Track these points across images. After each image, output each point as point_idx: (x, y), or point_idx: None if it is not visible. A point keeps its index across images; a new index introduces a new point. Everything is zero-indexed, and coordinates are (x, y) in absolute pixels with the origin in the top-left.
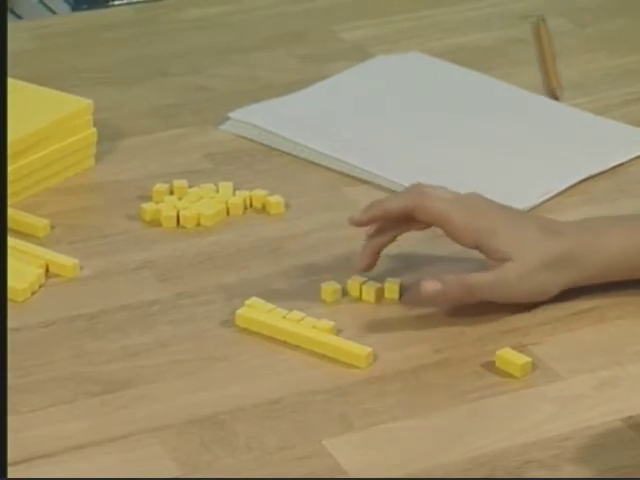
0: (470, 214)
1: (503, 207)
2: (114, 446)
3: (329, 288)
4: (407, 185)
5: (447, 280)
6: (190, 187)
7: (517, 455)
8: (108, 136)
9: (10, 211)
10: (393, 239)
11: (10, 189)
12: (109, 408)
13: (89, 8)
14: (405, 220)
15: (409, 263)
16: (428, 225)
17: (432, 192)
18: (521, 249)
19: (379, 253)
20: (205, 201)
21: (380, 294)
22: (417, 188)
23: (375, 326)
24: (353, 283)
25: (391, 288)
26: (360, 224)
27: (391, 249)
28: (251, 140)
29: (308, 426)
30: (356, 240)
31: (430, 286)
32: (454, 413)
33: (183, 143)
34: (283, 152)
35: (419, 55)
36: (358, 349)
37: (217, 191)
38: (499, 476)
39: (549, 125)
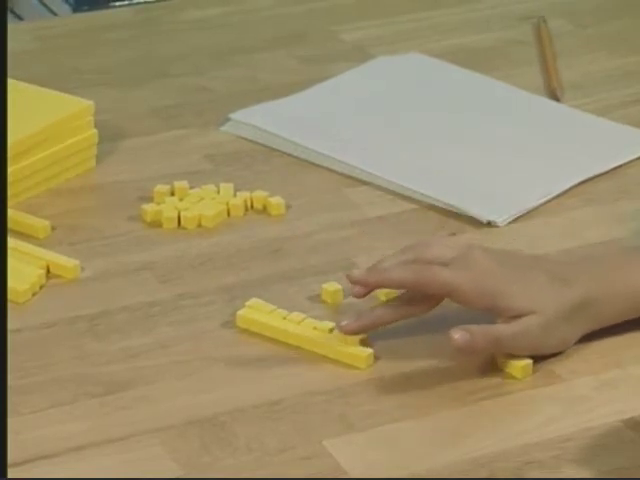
0: (477, 278)
1: (508, 260)
2: (114, 447)
3: (330, 289)
4: (410, 186)
5: (474, 331)
6: (191, 188)
7: (518, 456)
8: (109, 137)
9: (11, 212)
10: (398, 319)
11: (11, 190)
12: (109, 409)
13: (90, 9)
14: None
15: None
16: (433, 303)
17: (433, 259)
18: (536, 303)
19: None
20: (206, 202)
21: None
22: (417, 259)
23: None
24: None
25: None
26: (358, 283)
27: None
28: (252, 141)
29: (308, 427)
30: (356, 241)
31: (459, 337)
32: (454, 414)
33: (184, 144)
34: (284, 153)
35: (419, 56)
36: (358, 350)
37: (218, 192)
38: (500, 477)
39: (549, 126)
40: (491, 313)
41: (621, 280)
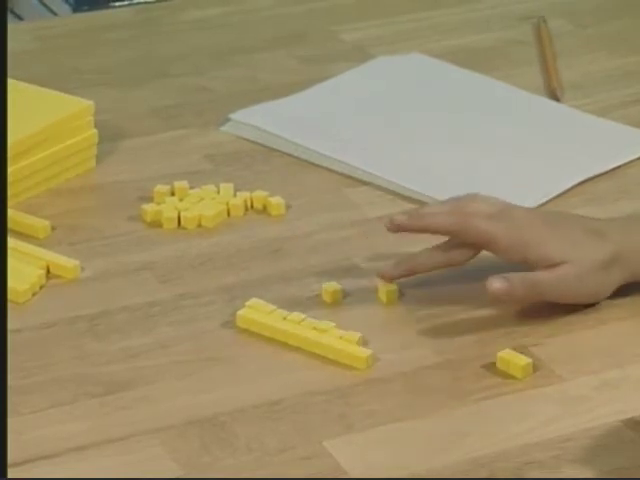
0: (514, 229)
1: (545, 214)
2: (114, 447)
3: (330, 289)
4: (410, 186)
5: (512, 278)
6: (191, 188)
7: (518, 456)
8: (109, 137)
9: (11, 212)
10: (437, 267)
11: (11, 190)
12: (109, 409)
13: (90, 9)
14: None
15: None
16: (471, 253)
17: (474, 211)
18: (572, 253)
19: (414, 273)
20: (206, 202)
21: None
22: (459, 208)
23: (376, 327)
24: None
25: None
26: (397, 229)
27: (393, 252)
28: (252, 141)
29: (308, 427)
30: (356, 241)
31: (497, 284)
32: (455, 414)
33: (184, 144)
34: (284, 153)
35: (419, 56)
36: (358, 351)
37: (218, 192)
38: (500, 477)
39: (550, 126)
40: (526, 264)
41: None
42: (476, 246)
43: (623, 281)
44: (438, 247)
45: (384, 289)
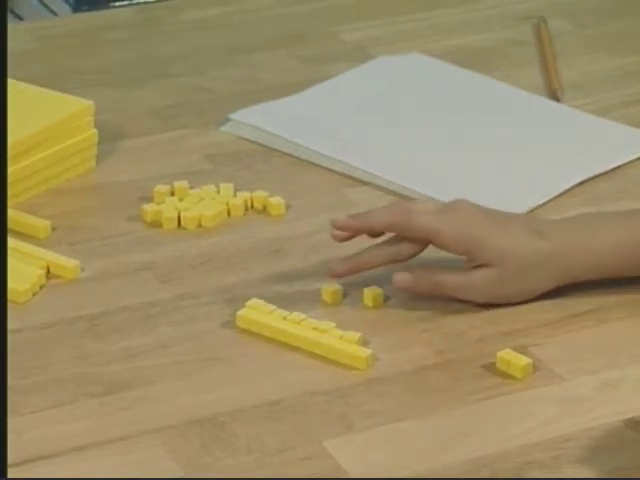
0: (457, 223)
1: (491, 212)
2: (114, 447)
3: (330, 289)
4: (410, 186)
5: (418, 273)
6: (191, 188)
7: (518, 456)
8: (109, 137)
9: (11, 212)
10: (384, 263)
11: (11, 190)
12: (109, 409)
13: (90, 9)
14: (395, 241)
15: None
16: (418, 247)
17: (416, 207)
18: (502, 255)
19: (362, 270)
20: (206, 202)
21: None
22: (401, 205)
23: (376, 327)
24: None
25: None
26: (341, 229)
27: None
28: (252, 141)
29: (308, 427)
30: (356, 241)
31: (401, 278)
32: (455, 414)
33: (184, 144)
34: (284, 153)
35: (420, 56)
36: (358, 351)
37: (218, 192)
38: (500, 477)
39: (550, 126)
40: (469, 257)
41: (591, 241)
42: (422, 241)
43: (559, 282)
44: (384, 243)
45: (370, 294)
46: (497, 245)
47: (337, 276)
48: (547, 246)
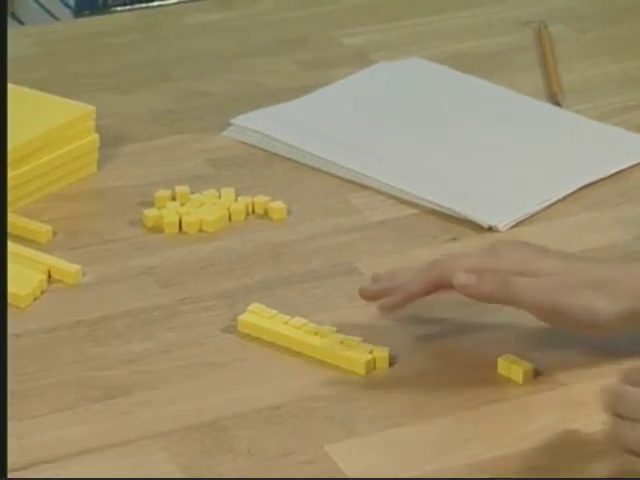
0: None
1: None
2: (116, 452)
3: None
4: (411, 191)
5: (483, 273)
6: (192, 193)
7: (519, 461)
8: (110, 142)
9: (12, 217)
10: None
11: (12, 195)
12: (111, 414)
13: (91, 14)
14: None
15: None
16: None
17: (455, 262)
18: (564, 265)
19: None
20: (207, 207)
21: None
22: (438, 263)
23: (377, 332)
24: None
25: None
26: (373, 299)
27: (395, 257)
28: (253, 146)
29: (310, 432)
30: (358, 246)
31: (465, 277)
32: (456, 419)
33: (185, 149)
34: (285, 158)
35: (420, 61)
36: (359, 356)
37: (219, 197)
38: None
39: (550, 131)
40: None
41: None
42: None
43: (615, 312)
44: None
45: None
46: (551, 261)
47: (390, 311)
48: (607, 270)
